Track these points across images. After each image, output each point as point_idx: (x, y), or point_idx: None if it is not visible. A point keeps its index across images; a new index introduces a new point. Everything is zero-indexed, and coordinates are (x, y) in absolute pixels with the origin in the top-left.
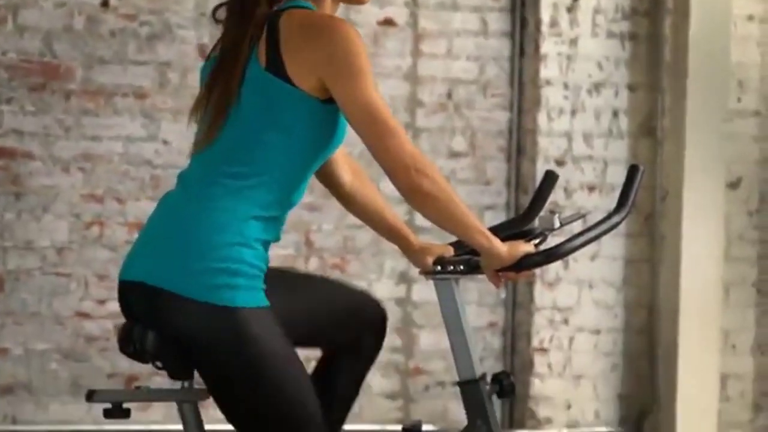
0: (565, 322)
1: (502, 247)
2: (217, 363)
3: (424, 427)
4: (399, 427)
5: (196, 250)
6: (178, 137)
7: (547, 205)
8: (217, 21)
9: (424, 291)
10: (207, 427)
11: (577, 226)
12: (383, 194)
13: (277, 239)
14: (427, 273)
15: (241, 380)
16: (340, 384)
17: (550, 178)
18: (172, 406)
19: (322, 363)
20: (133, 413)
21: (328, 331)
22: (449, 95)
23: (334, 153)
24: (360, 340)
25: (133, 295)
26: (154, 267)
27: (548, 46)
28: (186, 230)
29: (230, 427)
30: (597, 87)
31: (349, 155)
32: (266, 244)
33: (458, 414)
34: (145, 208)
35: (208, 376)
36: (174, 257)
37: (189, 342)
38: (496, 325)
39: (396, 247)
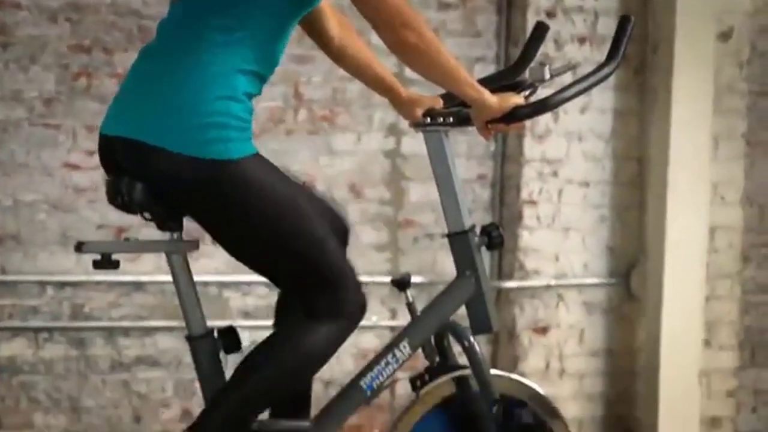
0: (554, 174)
1: (491, 99)
2: (222, 215)
3: (413, 279)
4: (388, 279)
5: (185, 105)
6: None
7: (538, 58)
8: None
9: (414, 143)
10: (196, 278)
11: (566, 79)
12: (373, 46)
13: (258, 93)
14: (416, 125)
15: (252, 226)
16: None
17: (540, 29)
18: (161, 257)
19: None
20: (122, 264)
21: None
22: None
23: (315, 6)
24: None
25: (119, 149)
26: (141, 122)
27: None
28: (173, 84)
29: (219, 278)
30: None
31: (336, 9)
32: (251, 97)
33: (447, 266)
34: (133, 59)
35: (213, 229)
36: (163, 112)
37: (186, 197)
38: (485, 178)
39: (386, 100)
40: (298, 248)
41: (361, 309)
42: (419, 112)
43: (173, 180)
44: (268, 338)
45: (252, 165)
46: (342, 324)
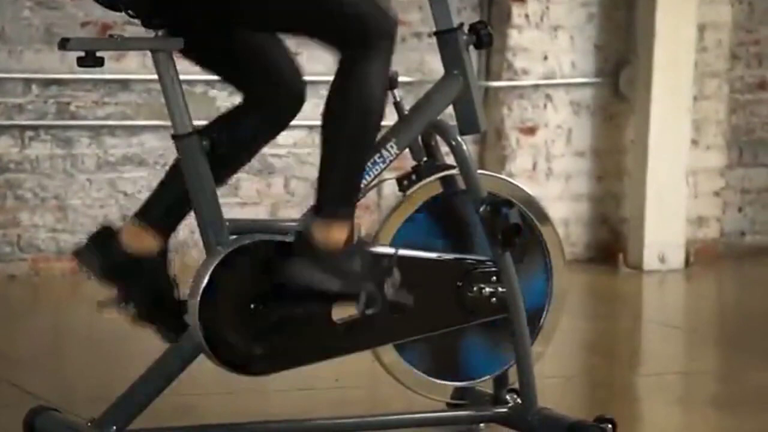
0: None
1: None
2: None
3: (400, 79)
4: None
5: None
6: None
7: None
8: None
9: None
10: (182, 76)
11: None
12: None
13: None
14: None
15: None
16: (242, 136)
17: None
18: (147, 56)
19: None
20: (107, 62)
21: (253, 68)
22: None
23: None
24: (275, 99)
25: None
26: None
27: None
28: None
29: (205, 77)
30: None
31: None
32: None
33: (435, 65)
34: None
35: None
36: None
37: None
38: None
39: None
40: None
41: (389, 33)
42: None
43: None
44: (332, 95)
45: None
46: (376, 56)
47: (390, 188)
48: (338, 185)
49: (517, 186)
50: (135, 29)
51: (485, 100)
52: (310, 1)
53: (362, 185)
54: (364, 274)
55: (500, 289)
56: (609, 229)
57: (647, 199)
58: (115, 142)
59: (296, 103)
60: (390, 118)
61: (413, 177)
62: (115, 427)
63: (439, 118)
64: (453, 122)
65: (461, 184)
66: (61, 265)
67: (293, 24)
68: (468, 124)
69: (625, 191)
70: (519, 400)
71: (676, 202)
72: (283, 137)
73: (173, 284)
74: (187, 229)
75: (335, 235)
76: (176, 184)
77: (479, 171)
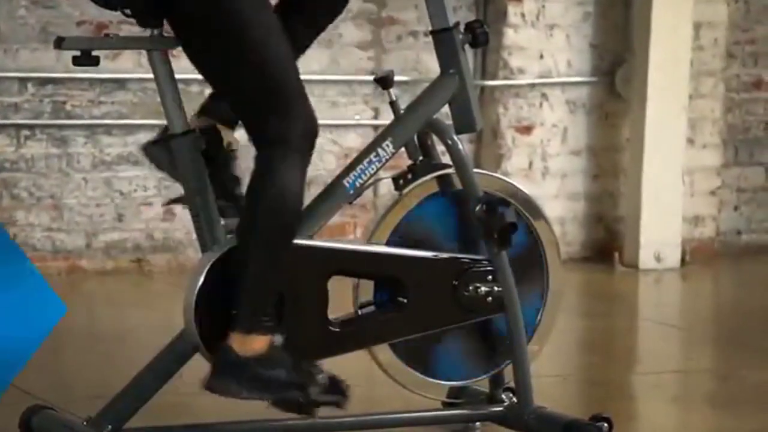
0: None
1: None
2: (191, 16)
3: (396, 78)
4: (371, 78)
5: None
6: None
7: None
8: None
9: None
10: (177, 76)
11: None
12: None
13: None
14: None
15: (215, 32)
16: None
17: None
18: (142, 55)
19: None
20: (102, 62)
21: None
22: None
23: None
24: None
25: None
26: None
27: None
28: None
29: (200, 76)
30: None
31: None
32: None
33: (431, 64)
34: None
35: (182, 31)
36: None
37: None
38: None
39: None
40: (256, 65)
41: (310, 137)
42: None
43: None
44: (245, 197)
45: None
46: (294, 157)
47: (386, 187)
48: (253, 297)
49: (513, 185)
50: (130, 28)
51: (481, 99)
52: (238, 88)
53: (274, 289)
54: (286, 380)
55: (496, 288)
56: (605, 228)
57: (643, 197)
58: (110, 141)
59: None
60: (386, 117)
61: (409, 176)
62: (111, 426)
63: (435, 117)
64: (449, 121)
65: (457, 183)
66: (57, 264)
67: (221, 88)
68: (464, 123)
69: (621, 190)
70: (515, 399)
71: (672, 200)
72: None
73: (238, 181)
74: (183, 228)
75: (253, 345)
76: None
77: (475, 170)
